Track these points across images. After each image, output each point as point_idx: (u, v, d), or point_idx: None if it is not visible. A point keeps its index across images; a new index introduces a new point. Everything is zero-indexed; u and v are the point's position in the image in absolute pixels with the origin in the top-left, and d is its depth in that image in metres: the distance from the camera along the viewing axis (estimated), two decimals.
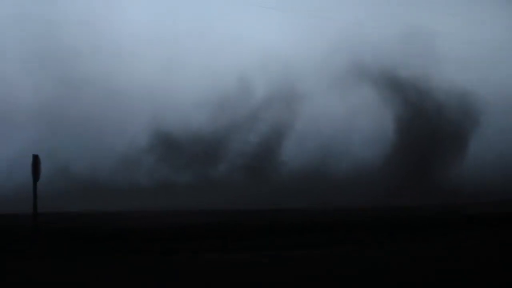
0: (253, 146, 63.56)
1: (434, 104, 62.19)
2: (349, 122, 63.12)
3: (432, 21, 66.21)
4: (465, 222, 33.49)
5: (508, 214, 36.03)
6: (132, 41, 67.34)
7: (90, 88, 63.83)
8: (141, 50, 67.25)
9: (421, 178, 57.35)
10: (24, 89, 63.37)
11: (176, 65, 67.36)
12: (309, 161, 61.52)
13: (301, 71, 65.30)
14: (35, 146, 52.66)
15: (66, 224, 35.94)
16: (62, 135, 60.85)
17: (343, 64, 64.53)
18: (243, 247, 25.46)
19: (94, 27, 65.58)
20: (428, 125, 61.23)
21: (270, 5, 75.75)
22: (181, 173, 62.75)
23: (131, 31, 67.95)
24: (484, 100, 61.47)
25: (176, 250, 24.92)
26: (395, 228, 31.08)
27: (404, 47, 64.52)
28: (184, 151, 63.08)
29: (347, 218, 36.64)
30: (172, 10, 71.91)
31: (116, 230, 31.84)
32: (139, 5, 70.89)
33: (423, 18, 66.89)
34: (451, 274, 17.93)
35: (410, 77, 62.98)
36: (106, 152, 61.34)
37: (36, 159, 26.96)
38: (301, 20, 72.42)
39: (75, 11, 66.26)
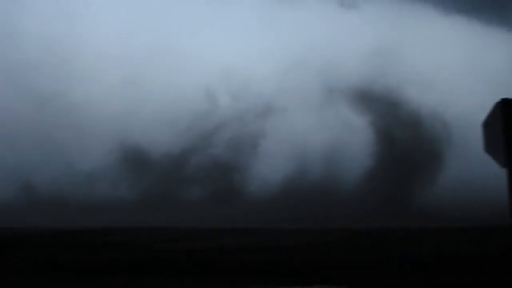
0: (220, 161, 62.52)
1: (409, 115, 61.97)
2: (320, 137, 62.50)
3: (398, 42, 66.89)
4: None
5: None
6: (94, 57, 66.50)
7: (51, 102, 62.54)
8: (103, 66, 66.38)
9: (398, 199, 56.70)
10: None
11: (139, 81, 66.74)
12: (280, 177, 60.60)
13: (267, 86, 64.93)
14: None
15: None
16: (23, 150, 59.27)
17: (310, 79, 64.35)
18: None
19: (56, 42, 64.80)
20: (406, 133, 60.94)
21: (233, 22, 75.87)
22: (146, 190, 61.35)
23: (93, 47, 67.23)
24: (452, 121, 61.54)
25: None
26: None
27: (371, 65, 64.59)
28: (150, 168, 61.81)
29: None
30: (134, 27, 71.47)
31: None
32: (102, 21, 70.16)
33: (388, 38, 67.39)
34: None
35: (381, 90, 62.83)
36: (68, 169, 59.87)
37: None
38: (263, 37, 72.48)
39: (37, 24, 65.39)
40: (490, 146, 11.78)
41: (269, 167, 60.85)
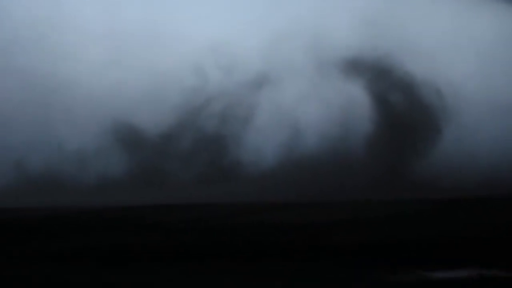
0: (213, 136, 61.69)
1: (401, 82, 61.33)
2: (313, 107, 61.71)
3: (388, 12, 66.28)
4: None
5: None
6: (77, 36, 65.38)
7: (38, 82, 61.45)
8: (86, 44, 65.28)
9: (398, 169, 56.20)
10: None
11: (125, 59, 65.75)
12: (276, 151, 59.84)
13: (257, 59, 64.06)
14: None
15: None
16: (13, 129, 58.19)
17: (300, 51, 63.53)
18: None
19: (38, 21, 63.73)
20: (401, 100, 60.37)
21: None
22: (141, 168, 60.54)
23: (76, 25, 66.11)
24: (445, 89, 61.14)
25: None
26: None
27: (361, 36, 63.91)
28: (143, 146, 60.88)
29: None
30: (116, 3, 70.26)
31: None
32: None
33: (378, 7, 66.76)
34: None
35: (373, 60, 62.15)
36: (59, 148, 58.85)
37: None
38: (249, 10, 71.55)
39: (18, 4, 64.31)
40: None
41: (264, 141, 60.23)
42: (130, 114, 61.64)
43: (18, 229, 29.98)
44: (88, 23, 66.10)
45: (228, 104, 62.25)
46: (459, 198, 40.08)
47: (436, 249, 21.45)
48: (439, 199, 40.88)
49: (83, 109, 61.74)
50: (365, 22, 63.48)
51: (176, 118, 61.71)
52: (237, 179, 56.66)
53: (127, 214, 37.77)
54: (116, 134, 60.26)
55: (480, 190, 48.71)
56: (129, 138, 60.40)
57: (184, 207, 41.43)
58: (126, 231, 28.14)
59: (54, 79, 61.43)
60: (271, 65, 63.47)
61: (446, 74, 62.05)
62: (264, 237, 24.75)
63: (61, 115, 60.82)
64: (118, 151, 60.04)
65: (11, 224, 32.31)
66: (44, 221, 33.46)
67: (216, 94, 62.79)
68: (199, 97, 62.51)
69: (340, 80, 61.96)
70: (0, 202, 46.86)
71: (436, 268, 19.07)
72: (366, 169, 54.78)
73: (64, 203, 47.96)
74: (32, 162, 56.88)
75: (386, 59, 61.33)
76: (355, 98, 60.85)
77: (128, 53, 65.93)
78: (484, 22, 66.66)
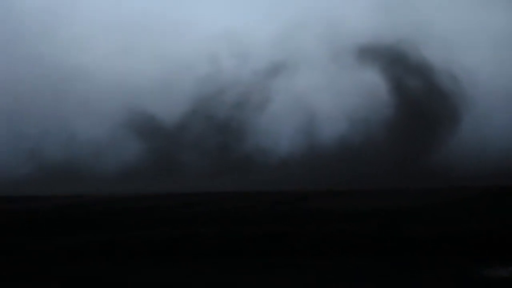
0: (228, 124, 61.28)
1: (422, 68, 60.75)
2: (330, 94, 61.24)
3: None
4: None
5: None
6: (89, 25, 65.37)
7: (52, 71, 61.32)
8: (100, 33, 65.13)
9: (414, 158, 55.63)
10: None
11: (138, 48, 65.62)
12: (293, 137, 59.42)
13: (272, 47, 63.73)
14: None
15: None
16: (28, 119, 58.08)
17: (315, 39, 63.18)
18: None
19: (51, 12, 63.82)
20: (421, 85, 59.88)
21: None
22: (150, 157, 60.21)
23: (88, 15, 66.13)
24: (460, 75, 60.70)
25: None
26: None
27: (375, 22, 63.52)
28: (161, 134, 60.54)
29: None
30: None
31: None
32: None
33: None
34: None
35: (388, 46, 61.65)
36: (75, 137, 58.80)
37: None
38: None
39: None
40: None
41: (280, 129, 59.98)
42: (145, 103, 61.40)
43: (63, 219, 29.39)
44: (103, 13, 66.06)
45: (243, 92, 61.93)
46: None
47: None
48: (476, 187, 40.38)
49: (98, 98, 61.58)
50: (380, 8, 63.15)
51: (190, 107, 61.47)
52: (255, 168, 56.38)
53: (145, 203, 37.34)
54: (131, 123, 60.00)
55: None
56: (144, 127, 60.13)
57: (214, 195, 41.13)
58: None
59: (69, 69, 61.40)
60: (286, 53, 63.22)
61: (462, 60, 61.57)
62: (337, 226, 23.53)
63: (76, 104, 60.71)
64: (133, 140, 59.80)
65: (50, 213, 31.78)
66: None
67: (231, 83, 62.50)
68: (213, 85, 62.20)
69: (356, 67, 61.58)
70: (18, 190, 46.60)
71: None
72: (384, 157, 54.44)
73: (80, 192, 47.66)
74: (48, 151, 56.72)
75: (402, 46, 60.86)
76: (372, 85, 60.46)
77: (142, 42, 65.85)
78: (501, 10, 66.25)
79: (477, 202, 31.07)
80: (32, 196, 42.13)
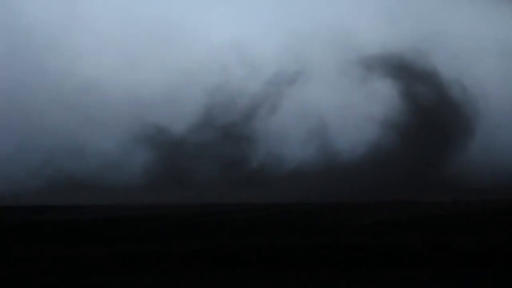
0: (237, 134, 61.12)
1: (433, 77, 60.59)
2: (344, 106, 61.12)
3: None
4: None
5: None
6: (96, 38, 65.48)
7: (61, 84, 61.56)
8: (107, 46, 65.32)
9: (426, 169, 55.39)
10: None
11: (146, 59, 65.73)
12: (303, 150, 59.22)
13: (283, 58, 63.78)
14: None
15: None
16: (38, 131, 58.14)
17: (325, 50, 63.28)
18: None
19: (60, 25, 64.06)
20: (431, 95, 59.80)
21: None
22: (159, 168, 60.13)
23: (95, 27, 66.26)
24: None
25: None
26: None
27: (385, 33, 63.70)
28: (169, 146, 60.43)
29: None
30: (135, 4, 70.66)
31: None
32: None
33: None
34: None
35: (403, 53, 61.66)
36: (82, 148, 58.86)
37: None
38: (272, 10, 71.60)
39: (39, 10, 64.64)
40: None
41: (289, 140, 59.92)
42: (155, 114, 61.38)
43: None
44: (111, 25, 66.14)
45: (252, 102, 61.87)
46: None
47: None
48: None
49: (108, 110, 61.61)
50: (389, 18, 63.33)
51: (200, 117, 61.43)
52: (265, 179, 56.31)
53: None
54: (141, 134, 59.94)
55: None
56: (153, 138, 60.06)
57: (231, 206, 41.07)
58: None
59: (79, 81, 61.52)
60: (295, 63, 63.18)
61: (472, 71, 61.60)
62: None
63: (86, 116, 60.76)
64: (143, 151, 59.72)
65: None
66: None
67: (239, 92, 62.45)
68: (223, 96, 62.15)
69: (365, 77, 61.59)
70: (28, 201, 46.70)
71: None
72: (395, 167, 54.33)
73: (91, 202, 47.71)
74: (59, 163, 56.70)
75: (411, 55, 60.94)
76: (381, 94, 60.45)
77: (151, 53, 65.91)
78: (510, 23, 66.35)
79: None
80: (47, 206, 42.25)
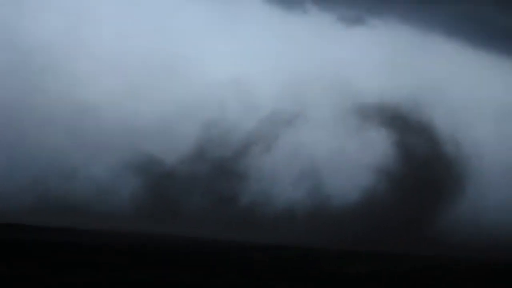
0: (230, 169, 60.99)
1: (432, 137, 60.93)
2: (338, 151, 61.19)
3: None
4: None
5: None
6: (95, 63, 65.64)
7: (58, 107, 61.58)
8: (105, 72, 65.44)
9: (417, 224, 55.45)
10: None
11: (144, 88, 65.86)
12: (291, 189, 59.17)
13: (279, 98, 64.02)
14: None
15: None
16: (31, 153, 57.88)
17: (321, 94, 63.72)
18: None
19: (59, 48, 64.36)
20: (428, 152, 60.01)
21: (240, 33, 75.34)
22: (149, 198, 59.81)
23: (95, 52, 66.50)
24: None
25: None
26: None
27: (383, 81, 64.28)
28: (161, 176, 60.19)
29: None
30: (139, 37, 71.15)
31: None
32: (103, 26, 69.75)
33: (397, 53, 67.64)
34: None
35: (399, 104, 62.07)
36: (74, 173, 58.60)
37: None
38: (272, 50, 72.09)
39: (39, 33, 64.81)
40: None
41: (280, 179, 59.83)
42: (149, 143, 61.32)
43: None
44: (113, 52, 66.52)
45: (247, 139, 61.90)
46: None
47: None
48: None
49: (103, 135, 61.50)
50: (388, 70, 64.00)
51: (194, 150, 61.33)
52: (254, 218, 56.11)
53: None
54: (133, 162, 59.72)
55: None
56: (145, 167, 59.82)
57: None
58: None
59: (75, 104, 61.64)
60: (292, 105, 63.44)
61: (467, 128, 62.06)
62: None
63: (80, 139, 60.68)
64: (133, 179, 59.45)
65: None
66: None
67: (234, 128, 62.50)
68: (218, 130, 62.18)
69: (360, 125, 61.92)
70: (19, 219, 46.43)
71: None
72: (386, 218, 54.31)
73: (78, 226, 47.49)
74: (50, 184, 56.36)
75: (407, 106, 61.36)
76: (375, 144, 60.65)
77: (150, 83, 66.11)
78: (507, 82, 67.11)
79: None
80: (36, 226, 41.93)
